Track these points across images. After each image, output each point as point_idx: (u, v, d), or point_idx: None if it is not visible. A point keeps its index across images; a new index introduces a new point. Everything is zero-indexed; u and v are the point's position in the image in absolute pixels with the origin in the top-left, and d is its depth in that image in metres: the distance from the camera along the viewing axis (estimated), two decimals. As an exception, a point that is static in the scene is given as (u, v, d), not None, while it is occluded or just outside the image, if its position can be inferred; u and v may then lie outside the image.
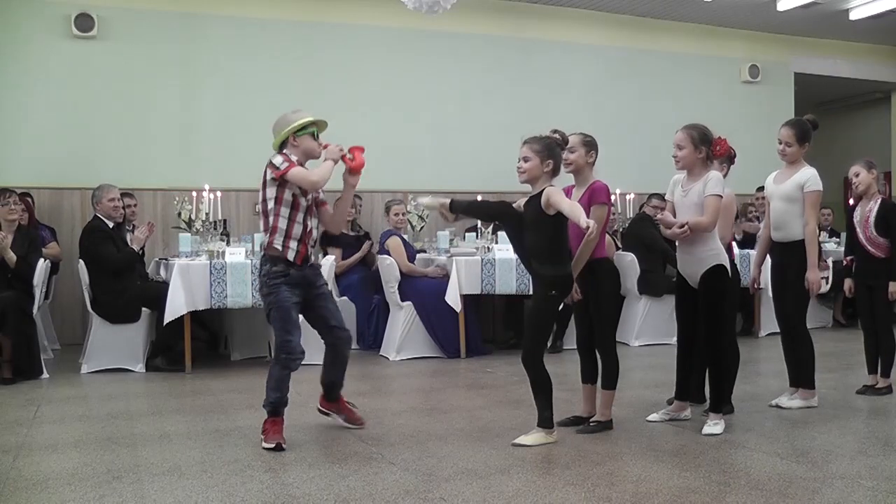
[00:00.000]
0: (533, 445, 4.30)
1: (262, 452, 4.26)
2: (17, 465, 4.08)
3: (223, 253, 6.86)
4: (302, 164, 4.52)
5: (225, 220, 7.85)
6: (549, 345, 7.52)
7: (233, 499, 3.53)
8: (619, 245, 8.49)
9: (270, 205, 4.47)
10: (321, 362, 4.88)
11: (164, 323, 6.60)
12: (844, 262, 5.97)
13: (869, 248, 5.63)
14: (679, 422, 4.83)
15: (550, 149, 4.32)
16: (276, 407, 4.46)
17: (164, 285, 6.79)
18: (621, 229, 8.87)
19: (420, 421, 4.99)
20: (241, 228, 8.68)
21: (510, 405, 5.37)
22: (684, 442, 4.41)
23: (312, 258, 4.65)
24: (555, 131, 4.39)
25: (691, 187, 4.63)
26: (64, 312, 8.25)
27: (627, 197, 9.55)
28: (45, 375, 6.46)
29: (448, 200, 4.45)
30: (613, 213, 9.03)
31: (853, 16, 10.70)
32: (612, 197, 9.21)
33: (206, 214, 7.35)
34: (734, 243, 6.09)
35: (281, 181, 4.42)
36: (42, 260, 6.70)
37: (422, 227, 8.59)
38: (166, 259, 7.43)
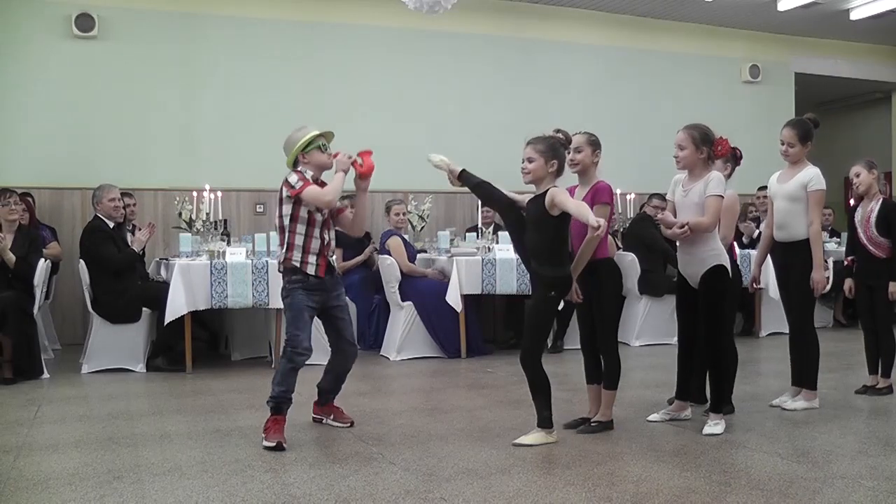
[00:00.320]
0: (533, 445, 4.30)
1: (263, 452, 4.26)
2: (18, 464, 4.08)
3: (224, 253, 6.87)
4: (317, 179, 4.63)
5: (225, 220, 7.86)
6: (549, 345, 7.54)
7: (233, 499, 3.53)
8: (620, 245, 8.49)
9: (286, 221, 4.59)
10: (323, 363, 4.92)
11: (165, 323, 6.61)
12: (845, 263, 5.96)
13: (870, 248, 5.63)
14: (679, 422, 4.83)
15: (554, 149, 4.31)
16: (278, 403, 4.48)
17: (165, 285, 6.79)
18: (622, 229, 8.86)
19: (421, 421, 4.99)
20: (242, 228, 8.69)
21: (511, 405, 5.37)
22: (685, 442, 4.41)
23: (334, 264, 4.75)
24: (557, 131, 4.39)
25: (692, 187, 4.63)
26: (64, 312, 8.25)
27: (628, 197, 9.54)
28: (46, 375, 6.46)
29: (459, 169, 4.51)
30: (614, 214, 9.04)
31: (854, 16, 10.70)
32: (613, 197, 9.31)
33: (207, 214, 7.35)
34: (735, 243, 6.08)
35: (296, 199, 4.51)
36: (42, 260, 6.70)
37: (422, 227, 8.58)
38: (167, 259, 7.44)
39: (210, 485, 3.72)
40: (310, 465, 4.03)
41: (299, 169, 4.60)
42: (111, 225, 6.94)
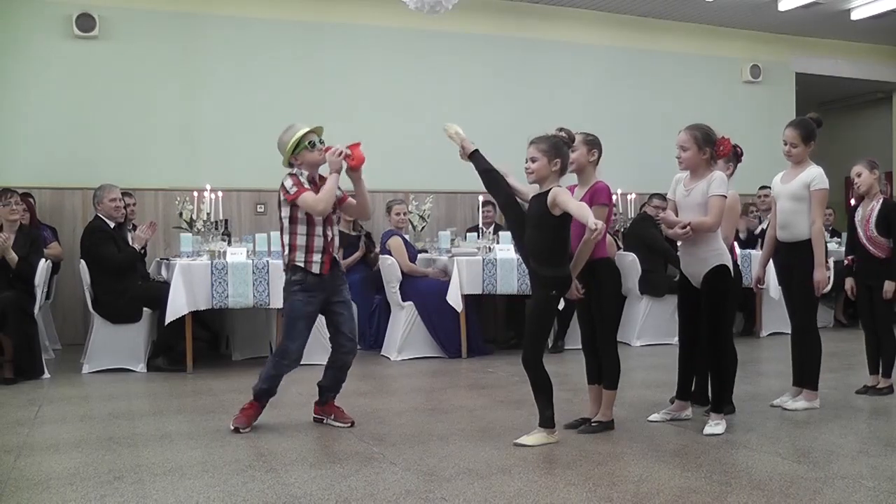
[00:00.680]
0: (534, 445, 4.29)
1: (264, 452, 4.27)
2: (19, 464, 4.08)
3: (224, 253, 6.87)
4: (313, 178, 4.68)
5: (226, 220, 7.86)
6: (549, 345, 7.54)
7: (234, 499, 3.53)
8: (621, 245, 8.49)
9: (286, 223, 4.66)
10: (323, 363, 4.93)
11: (166, 323, 6.61)
12: (846, 262, 5.96)
13: (870, 247, 5.63)
14: (680, 422, 4.83)
15: (557, 148, 4.31)
16: (258, 395, 4.76)
17: (166, 285, 6.80)
18: (622, 229, 8.86)
19: (421, 421, 4.99)
20: (243, 228, 8.70)
21: (511, 405, 5.37)
22: (686, 442, 4.41)
23: (338, 258, 4.79)
24: (560, 129, 4.38)
25: (694, 187, 4.62)
26: (65, 312, 8.26)
27: (629, 197, 9.54)
28: (47, 375, 6.46)
29: (473, 148, 4.53)
30: (615, 214, 9.04)
31: (854, 16, 10.70)
32: (614, 197, 9.31)
33: (208, 214, 7.36)
34: (736, 243, 6.08)
35: (292, 203, 4.58)
36: (43, 260, 6.71)
37: (423, 227, 8.59)
38: (167, 259, 7.45)
39: (211, 485, 3.72)
40: (310, 465, 4.03)
41: (293, 171, 4.65)
42: (112, 225, 6.94)
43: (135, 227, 7.61)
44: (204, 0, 8.96)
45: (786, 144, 5.13)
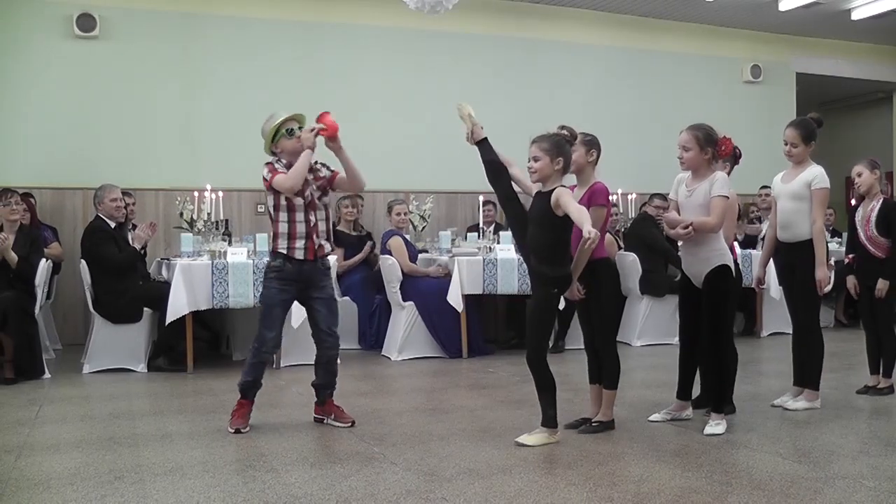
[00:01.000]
0: (535, 445, 4.29)
1: (265, 452, 4.27)
2: (19, 464, 4.08)
3: (225, 253, 6.87)
4: (291, 165, 4.70)
5: (227, 220, 7.86)
6: (550, 345, 7.53)
7: (235, 499, 3.53)
8: (622, 245, 8.49)
9: (271, 211, 4.73)
10: (312, 362, 4.94)
11: (166, 323, 6.61)
12: (846, 261, 5.96)
13: (870, 247, 5.63)
14: (681, 422, 4.83)
15: (560, 146, 4.30)
16: (244, 389, 4.78)
17: (166, 285, 6.80)
18: (623, 229, 8.86)
19: (422, 421, 4.99)
20: (243, 228, 8.70)
21: (512, 405, 5.37)
22: (686, 442, 4.41)
23: (328, 248, 4.80)
24: (562, 128, 4.38)
25: (696, 187, 4.62)
26: (66, 312, 8.26)
27: (629, 197, 9.54)
28: (47, 375, 6.46)
29: (483, 136, 4.52)
30: (615, 214, 9.04)
31: (855, 16, 10.70)
32: (614, 197, 9.32)
33: (208, 214, 7.36)
34: (736, 243, 6.08)
35: (271, 189, 4.66)
36: (44, 260, 6.71)
37: (423, 227, 8.58)
38: (168, 259, 7.44)
39: (211, 485, 3.72)
40: (311, 465, 4.03)
41: (271, 161, 4.74)
42: (112, 225, 6.94)
43: (135, 228, 7.62)
44: (204, 0, 8.96)
45: (786, 144, 5.12)
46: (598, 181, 4.61)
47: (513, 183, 4.53)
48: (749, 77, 11.46)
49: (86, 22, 8.42)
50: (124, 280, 6.83)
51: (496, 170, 4.50)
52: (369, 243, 8.42)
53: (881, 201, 5.61)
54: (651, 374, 6.57)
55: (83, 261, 6.82)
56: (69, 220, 8.39)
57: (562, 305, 6.32)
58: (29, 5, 8.36)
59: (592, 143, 4.64)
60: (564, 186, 4.33)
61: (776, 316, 8.57)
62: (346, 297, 8.13)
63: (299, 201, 4.67)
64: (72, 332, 8.20)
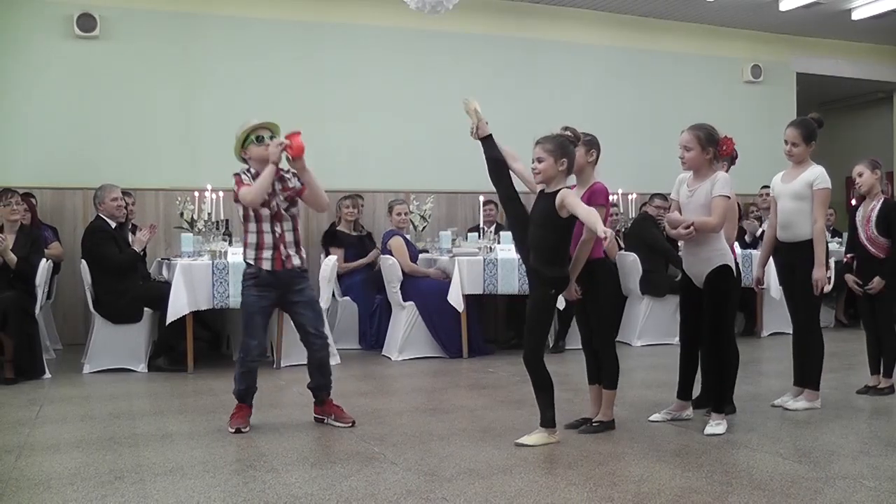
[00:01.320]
0: (535, 445, 4.29)
1: (265, 452, 4.27)
2: (20, 464, 4.09)
3: (225, 253, 6.87)
4: (258, 175, 4.66)
5: (227, 220, 7.85)
6: (550, 345, 7.54)
7: (235, 499, 3.53)
8: (622, 245, 8.49)
9: (241, 220, 4.77)
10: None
11: (167, 323, 6.61)
12: (845, 260, 5.96)
13: (870, 247, 5.63)
14: (681, 422, 4.83)
15: (563, 147, 4.30)
16: (240, 397, 4.79)
17: (167, 285, 6.80)
18: (623, 229, 8.86)
19: (422, 421, 4.99)
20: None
21: (512, 405, 5.37)
22: (687, 442, 4.41)
23: (296, 260, 4.76)
24: (565, 128, 4.37)
25: (698, 187, 4.61)
26: (66, 312, 8.26)
27: (629, 197, 9.54)
28: (48, 375, 6.46)
29: (488, 132, 4.51)
30: (616, 214, 9.04)
31: (855, 16, 10.70)
32: (615, 197, 9.32)
33: (209, 214, 7.36)
34: (736, 243, 6.08)
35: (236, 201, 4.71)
36: (44, 260, 6.71)
37: (424, 228, 8.58)
38: (168, 259, 7.44)
39: (212, 485, 3.72)
40: (311, 465, 4.03)
41: (238, 171, 4.72)
42: (113, 225, 6.94)
43: (135, 227, 7.62)
44: (204, 0, 8.96)
45: (787, 144, 5.12)
46: (597, 181, 4.61)
47: (517, 177, 4.53)
48: (749, 77, 11.46)
49: (86, 22, 8.42)
50: (125, 280, 6.83)
51: (499, 168, 4.50)
52: (375, 250, 8.40)
53: (882, 201, 5.61)
54: (651, 374, 6.57)
55: (83, 261, 6.82)
56: (69, 220, 8.39)
57: (562, 305, 6.32)
58: (29, 5, 8.36)
59: (592, 143, 4.63)
60: (570, 188, 4.32)
61: (776, 316, 8.57)
62: (347, 297, 8.14)
63: (266, 212, 4.68)
64: (72, 332, 8.20)
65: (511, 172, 4.53)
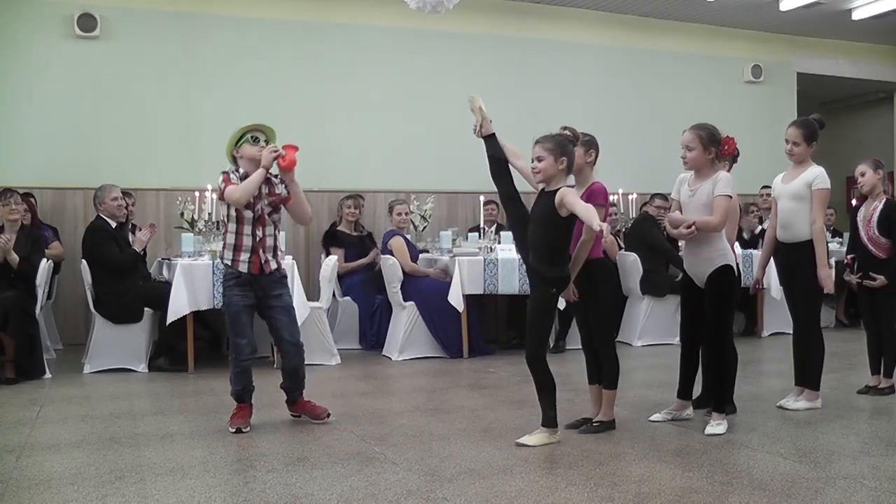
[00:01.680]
0: (536, 445, 4.29)
1: (265, 452, 4.27)
2: (20, 464, 4.09)
3: (225, 253, 6.86)
4: (247, 176, 4.64)
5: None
6: (551, 345, 7.54)
7: (236, 498, 3.53)
8: (622, 245, 8.49)
9: (224, 220, 4.77)
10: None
11: (167, 323, 6.61)
12: (846, 261, 5.96)
13: (871, 247, 5.63)
14: (682, 422, 4.83)
15: (563, 146, 4.30)
16: (238, 397, 4.79)
17: (167, 285, 6.80)
18: (624, 229, 8.87)
19: (423, 421, 4.99)
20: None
21: (513, 405, 5.37)
22: (687, 442, 4.41)
23: (273, 265, 4.76)
24: (565, 128, 4.37)
25: (699, 187, 4.61)
26: (67, 312, 8.25)
27: (630, 197, 9.54)
28: (48, 375, 6.46)
29: (492, 131, 4.53)
30: (616, 213, 9.05)
31: (856, 16, 10.69)
32: (615, 197, 9.33)
33: (209, 214, 7.36)
34: (737, 243, 6.08)
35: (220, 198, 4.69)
36: (45, 260, 6.71)
37: (424, 228, 8.59)
38: (169, 259, 7.44)
39: (212, 485, 3.72)
40: (312, 465, 4.03)
41: (227, 169, 4.70)
42: (113, 225, 6.95)
43: (135, 227, 7.62)
44: (204, 0, 8.96)
45: (787, 143, 5.12)
46: (596, 181, 4.61)
47: (518, 175, 4.52)
48: (750, 77, 11.45)
49: (86, 22, 8.42)
50: (125, 280, 6.83)
51: (500, 168, 4.50)
52: (375, 249, 8.40)
53: (884, 202, 5.60)
54: (652, 374, 6.57)
55: (84, 261, 6.82)
56: (70, 219, 8.38)
57: (562, 305, 6.32)
58: (29, 5, 8.36)
59: (591, 143, 4.63)
60: (570, 187, 4.32)
61: (777, 316, 8.57)
62: (347, 298, 8.14)
63: (248, 214, 4.66)
64: (72, 332, 8.19)
65: (513, 171, 4.53)
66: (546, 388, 4.36)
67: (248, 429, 4.71)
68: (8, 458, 4.19)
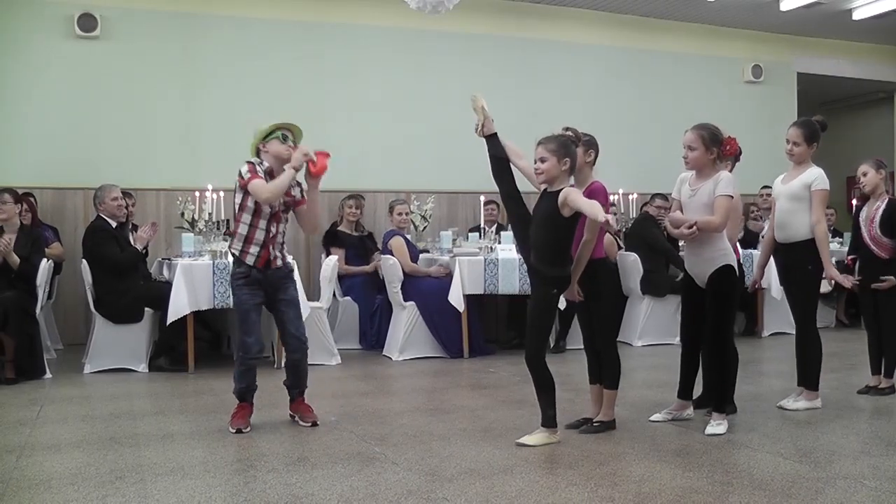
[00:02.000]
0: (536, 445, 4.29)
1: (266, 452, 4.27)
2: (21, 464, 4.09)
3: (226, 253, 6.86)
4: (272, 171, 4.68)
5: (227, 220, 7.84)
6: (551, 345, 7.53)
7: (236, 498, 3.53)
8: (622, 245, 8.49)
9: (236, 210, 4.72)
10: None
11: (167, 323, 6.62)
12: (847, 262, 5.96)
13: (873, 247, 5.63)
14: (682, 422, 4.83)
15: (566, 147, 4.30)
16: (241, 395, 4.79)
17: (167, 285, 6.80)
18: (624, 229, 8.86)
19: (423, 421, 4.99)
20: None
21: (513, 405, 5.37)
22: (687, 442, 4.41)
23: (280, 262, 4.78)
24: (567, 129, 4.37)
25: (700, 187, 4.60)
26: (67, 312, 8.25)
27: (630, 197, 9.54)
28: (48, 375, 6.47)
29: (494, 131, 4.54)
30: (616, 214, 9.04)
31: (856, 16, 10.70)
32: (616, 197, 9.33)
33: (209, 214, 7.36)
34: (738, 243, 6.07)
35: (245, 189, 4.62)
36: (45, 260, 6.71)
37: (425, 228, 8.58)
38: (169, 259, 7.44)
39: (213, 485, 3.72)
40: (312, 465, 4.03)
41: (252, 160, 4.69)
42: (114, 225, 6.95)
43: (135, 227, 7.62)
44: (204, 0, 8.96)
45: (788, 142, 5.11)
46: (596, 181, 4.60)
47: (520, 174, 4.52)
48: (750, 77, 11.45)
49: (87, 22, 8.42)
50: (125, 280, 6.83)
51: (501, 168, 4.51)
52: (376, 257, 8.37)
53: (886, 202, 5.60)
54: (652, 374, 6.57)
55: (84, 261, 6.82)
56: (70, 219, 8.38)
57: (562, 306, 6.32)
58: (29, 5, 8.36)
59: (590, 144, 4.63)
60: (573, 187, 4.32)
61: (777, 316, 8.57)
62: (348, 297, 8.13)
63: (266, 209, 4.67)
64: (73, 332, 8.19)
65: (514, 170, 4.53)
66: (545, 388, 4.36)
67: (249, 429, 4.71)
68: (8, 458, 4.20)
